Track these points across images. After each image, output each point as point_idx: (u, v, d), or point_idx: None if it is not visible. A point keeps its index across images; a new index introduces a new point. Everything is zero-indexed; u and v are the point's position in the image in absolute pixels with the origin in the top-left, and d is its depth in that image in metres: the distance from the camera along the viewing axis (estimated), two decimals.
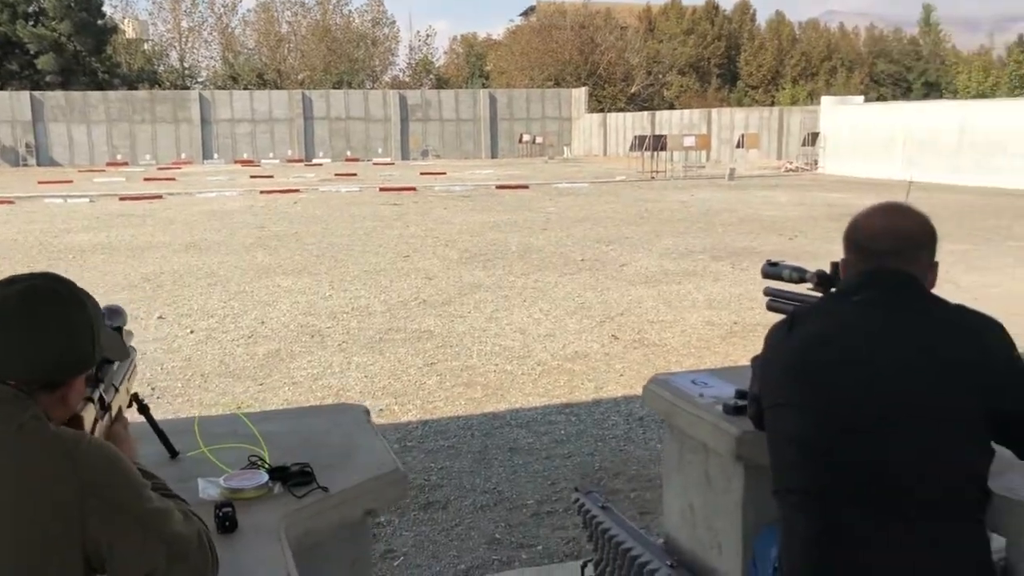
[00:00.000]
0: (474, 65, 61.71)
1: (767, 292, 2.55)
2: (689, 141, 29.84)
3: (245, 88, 48.84)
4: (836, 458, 1.71)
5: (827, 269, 2.27)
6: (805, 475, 1.75)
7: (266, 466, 1.88)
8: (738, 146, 32.33)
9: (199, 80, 56.30)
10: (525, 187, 23.97)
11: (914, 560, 1.65)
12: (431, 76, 60.55)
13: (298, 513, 1.75)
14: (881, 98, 47.48)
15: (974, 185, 23.46)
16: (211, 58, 57.95)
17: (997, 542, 1.81)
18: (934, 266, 1.87)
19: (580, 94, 46.85)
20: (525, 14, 67.89)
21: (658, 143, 28.57)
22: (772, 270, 2.48)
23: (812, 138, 30.63)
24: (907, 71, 58.50)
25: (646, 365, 6.44)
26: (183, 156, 40.16)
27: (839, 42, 62.85)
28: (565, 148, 44.84)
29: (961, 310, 1.81)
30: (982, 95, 33.13)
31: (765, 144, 34.55)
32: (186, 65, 56.68)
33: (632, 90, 55.48)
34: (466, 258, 11.54)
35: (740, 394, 2.24)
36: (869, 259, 1.82)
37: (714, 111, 38.70)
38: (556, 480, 4.41)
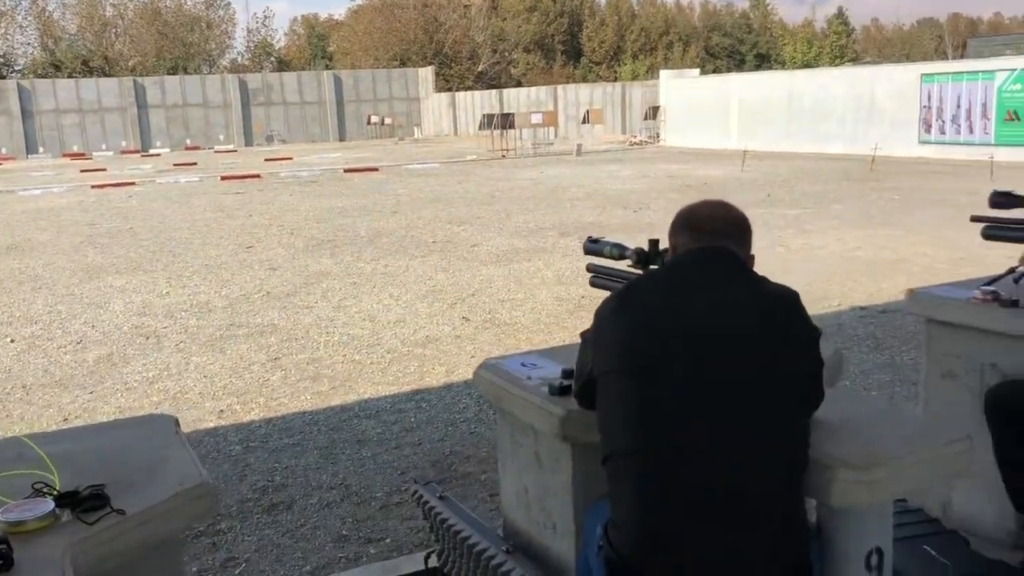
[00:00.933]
0: (316, 46, 60.17)
1: (590, 268, 2.56)
2: (536, 118, 30.16)
3: (70, 76, 45.81)
4: (668, 420, 1.74)
5: (647, 247, 2.29)
6: (639, 436, 1.77)
7: (54, 492, 1.72)
8: (583, 122, 32.94)
9: (16, 69, 52.31)
10: (375, 170, 23.61)
11: (740, 521, 1.69)
12: (272, 59, 58.63)
13: (88, 541, 1.60)
14: (717, 71, 49.44)
15: (804, 151, 24.82)
16: (28, 44, 53.89)
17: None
18: (751, 258, 1.96)
19: (427, 73, 46.51)
20: None
21: (506, 121, 28.72)
22: (593, 247, 2.49)
23: (653, 112, 31.55)
24: (740, 44, 61.12)
25: (497, 345, 6.44)
26: (3, 151, 37.32)
27: (676, 17, 64.96)
28: (415, 128, 44.47)
29: (776, 284, 1.87)
30: (807, 65, 35.03)
31: (609, 119, 35.35)
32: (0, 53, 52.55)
33: (479, 68, 55.53)
34: (312, 246, 11.24)
35: (566, 374, 2.24)
36: (702, 238, 1.90)
37: (560, 88, 39.24)
38: (406, 470, 4.33)
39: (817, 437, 1.84)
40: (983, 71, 21.81)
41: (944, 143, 22.10)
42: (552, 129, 33.61)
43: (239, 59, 58.09)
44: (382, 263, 9.86)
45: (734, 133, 27.81)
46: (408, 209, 14.78)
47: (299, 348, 6.58)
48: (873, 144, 21.55)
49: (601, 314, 1.93)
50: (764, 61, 56.64)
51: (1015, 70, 20.94)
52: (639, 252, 2.26)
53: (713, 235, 1.89)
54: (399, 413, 5.13)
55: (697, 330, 1.76)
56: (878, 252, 9.56)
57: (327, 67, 52.57)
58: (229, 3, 67.32)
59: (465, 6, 57.28)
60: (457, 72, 54.09)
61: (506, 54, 57.37)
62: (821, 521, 1.91)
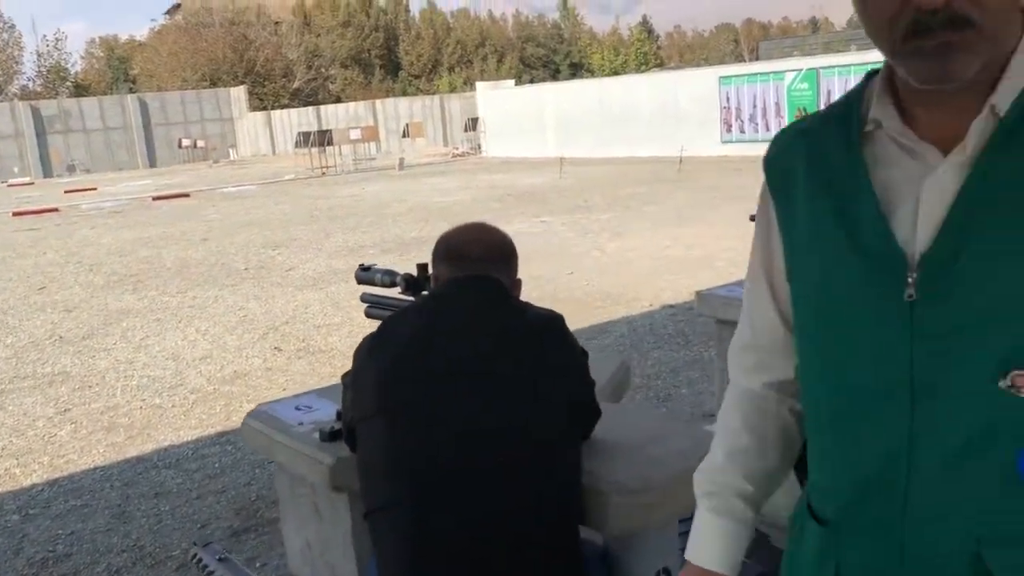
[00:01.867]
0: (118, 69, 56.89)
1: (363, 299, 2.41)
2: (355, 134, 29.71)
3: None
4: (428, 466, 1.62)
5: (416, 273, 2.17)
6: (398, 487, 1.63)
7: None
8: (404, 136, 32.78)
9: None
10: (186, 195, 22.49)
11: (506, 564, 1.58)
12: (68, 84, 54.96)
13: None
14: (533, 81, 50.55)
15: (618, 156, 25.69)
16: None
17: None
18: (518, 282, 1.89)
19: (239, 93, 44.98)
20: (169, 13, 63.69)
21: (324, 138, 28.14)
22: (365, 275, 2.34)
23: (473, 123, 31.81)
24: (553, 53, 62.73)
25: (311, 375, 6.17)
26: None
27: (490, 29, 65.94)
28: (230, 150, 42.84)
29: (539, 310, 1.79)
30: (615, 72, 36.42)
31: (431, 132, 35.36)
32: None
33: (295, 86, 54.25)
34: (113, 282, 10.48)
35: (340, 415, 2.08)
36: (462, 267, 1.81)
37: (379, 102, 38.91)
38: (207, 521, 4.02)
39: (594, 462, 1.77)
40: (774, 72, 23.32)
41: (744, 141, 23.44)
42: (373, 144, 33.25)
43: (31, 85, 54.15)
44: (189, 295, 9.31)
45: (551, 141, 28.44)
46: (220, 235, 14.11)
47: (93, 396, 6.05)
48: (680, 146, 22.57)
49: (358, 354, 1.79)
50: (578, 70, 58.44)
51: (801, 70, 22.51)
52: (408, 279, 2.13)
53: (473, 263, 1.79)
54: (202, 459, 4.78)
55: (453, 367, 1.65)
56: (688, 250, 9.93)
57: (131, 90, 49.82)
58: (13, 26, 62.68)
59: (275, 23, 55.87)
60: (272, 90, 52.63)
61: (322, 70, 56.37)
62: (607, 546, 1.84)
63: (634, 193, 16.25)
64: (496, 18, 71.56)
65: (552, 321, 1.75)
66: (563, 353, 1.73)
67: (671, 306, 7.39)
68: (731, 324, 3.15)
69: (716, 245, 9.95)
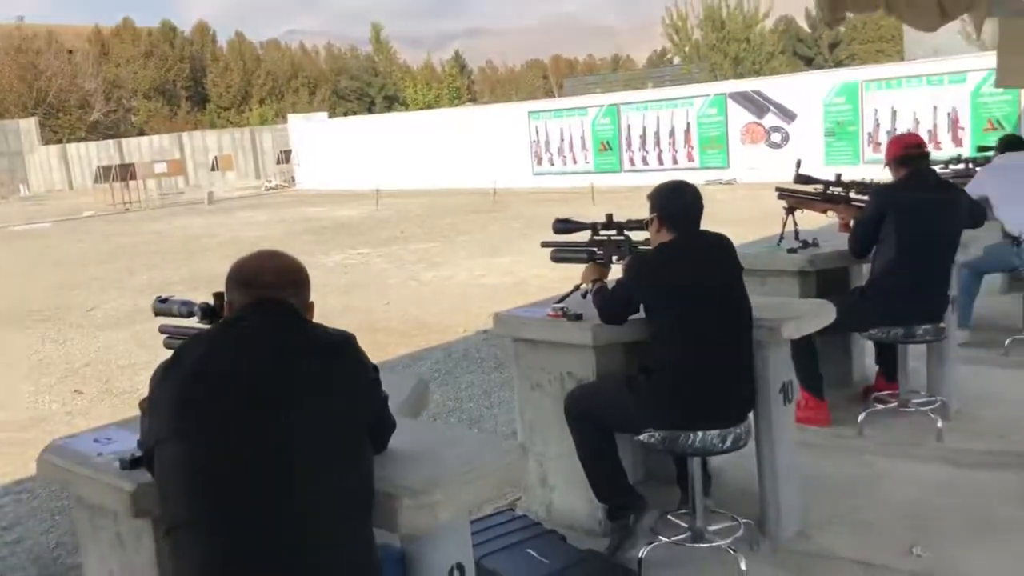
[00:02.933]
0: None
1: (162, 330, 2.45)
2: (161, 167, 28.54)
3: None
4: (225, 481, 1.69)
5: (212, 301, 2.24)
6: (197, 504, 1.70)
7: None
8: (213, 169, 31.78)
9: None
10: None
11: (304, 570, 1.69)
12: None
13: None
14: (347, 113, 50.25)
15: (435, 188, 26.03)
16: None
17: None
18: (311, 306, 1.97)
19: (29, 125, 42.08)
20: None
21: (126, 172, 26.83)
22: (163, 307, 2.39)
23: (286, 156, 31.30)
24: (368, 86, 62.63)
25: (115, 416, 5.92)
26: None
27: (302, 61, 65.06)
28: (21, 186, 39.90)
29: (330, 331, 1.89)
30: (429, 106, 36.99)
31: (241, 165, 34.46)
32: None
33: (93, 117, 51.29)
34: None
35: (140, 443, 2.11)
36: (253, 292, 1.87)
37: (185, 135, 37.51)
38: (3, 573, 3.82)
39: (387, 469, 1.91)
40: (578, 107, 24.48)
41: (553, 173, 24.41)
42: (180, 178, 31.98)
43: None
44: None
45: (367, 174, 28.47)
46: (10, 277, 13.18)
47: None
48: (493, 178, 23.20)
49: (153, 380, 1.85)
50: (393, 103, 58.63)
51: (603, 106, 23.75)
52: (204, 308, 2.21)
53: (265, 287, 1.87)
54: None
55: (244, 390, 1.74)
56: (501, 278, 10.28)
57: None
58: None
59: (69, 52, 52.71)
60: (66, 122, 49.55)
61: (123, 101, 53.66)
62: (403, 547, 1.98)
63: (451, 223, 16.57)
64: (308, 50, 70.75)
65: (343, 340, 1.88)
66: (354, 369, 1.86)
67: (485, 331, 7.65)
68: (526, 342, 3.41)
69: (528, 272, 10.36)
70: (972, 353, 4.93)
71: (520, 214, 17.43)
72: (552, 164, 24.68)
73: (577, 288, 3.39)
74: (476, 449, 1.97)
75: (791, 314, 3.14)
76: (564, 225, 3.36)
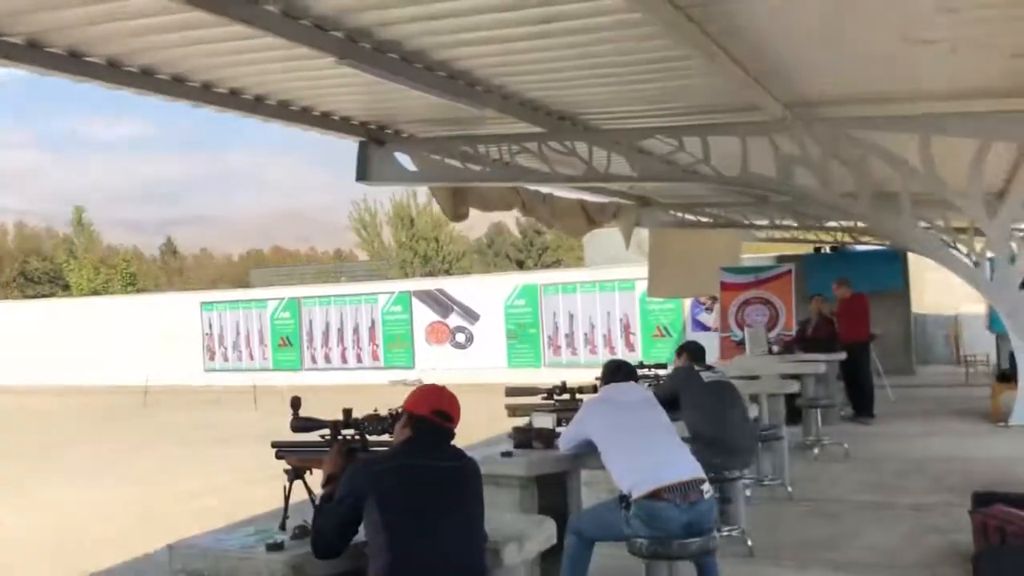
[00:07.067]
0: None
1: None
2: None
3: None
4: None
5: None
6: None
7: None
8: None
9: None
10: None
11: None
12: None
13: None
14: (40, 296, 44.27)
15: (86, 384, 22.73)
16: None
17: None
18: None
19: None
20: None
21: None
22: None
23: None
24: (66, 267, 56.78)
25: None
26: None
27: None
28: None
29: None
30: (96, 292, 33.65)
31: None
32: None
33: None
34: None
35: None
36: None
37: None
38: None
39: None
40: (256, 300, 22.99)
41: (228, 370, 22.39)
42: None
43: None
44: None
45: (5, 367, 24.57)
46: None
47: None
48: (145, 375, 20.71)
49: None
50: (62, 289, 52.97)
51: (284, 299, 22.48)
52: None
53: None
54: None
55: None
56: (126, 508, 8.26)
57: None
58: None
59: None
60: None
61: None
62: None
63: (65, 434, 13.92)
64: None
65: None
66: None
67: None
68: None
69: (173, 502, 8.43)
70: None
71: (169, 420, 15.20)
72: (227, 360, 22.69)
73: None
74: None
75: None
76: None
